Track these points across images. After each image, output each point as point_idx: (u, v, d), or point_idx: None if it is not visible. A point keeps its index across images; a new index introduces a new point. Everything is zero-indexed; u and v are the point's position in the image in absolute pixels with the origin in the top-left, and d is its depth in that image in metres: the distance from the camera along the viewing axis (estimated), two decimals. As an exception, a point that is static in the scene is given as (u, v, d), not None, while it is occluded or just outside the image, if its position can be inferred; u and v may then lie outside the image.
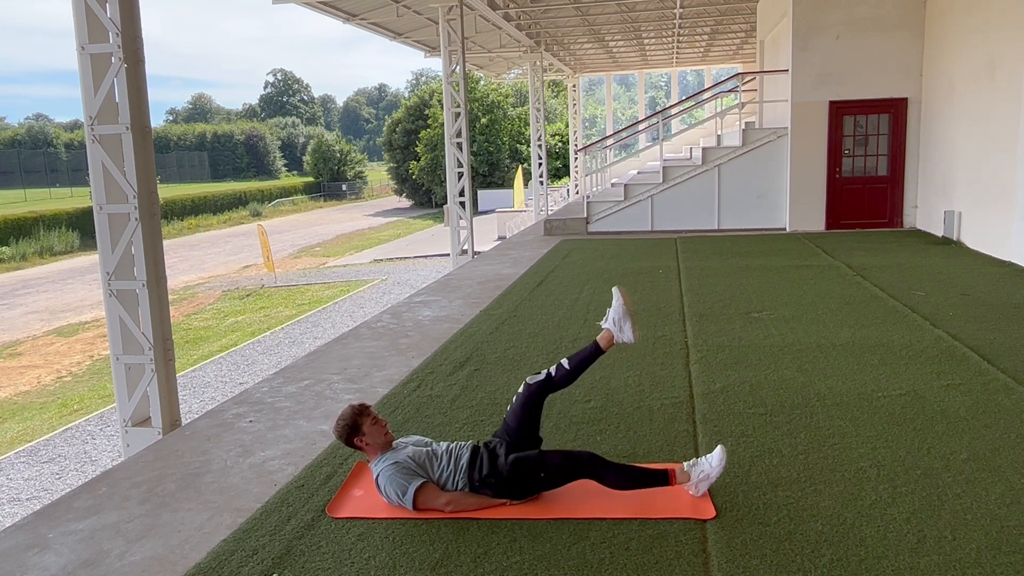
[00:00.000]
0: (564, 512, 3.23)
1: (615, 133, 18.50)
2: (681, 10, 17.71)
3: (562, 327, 6.63)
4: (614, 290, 3.65)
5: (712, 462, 3.33)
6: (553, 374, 3.52)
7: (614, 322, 3.58)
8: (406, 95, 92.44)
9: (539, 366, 5.46)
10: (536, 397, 3.48)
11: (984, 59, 9.64)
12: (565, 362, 3.55)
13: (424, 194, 55.28)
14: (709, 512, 3.18)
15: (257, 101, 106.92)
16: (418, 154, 53.97)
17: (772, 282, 8.24)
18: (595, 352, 3.57)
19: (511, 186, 41.61)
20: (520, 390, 3.53)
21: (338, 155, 69.13)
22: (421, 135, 53.62)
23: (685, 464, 3.37)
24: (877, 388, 4.67)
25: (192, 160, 75.29)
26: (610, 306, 3.64)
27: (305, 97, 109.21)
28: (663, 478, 3.33)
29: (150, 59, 4.90)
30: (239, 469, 3.93)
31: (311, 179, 69.23)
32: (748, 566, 2.78)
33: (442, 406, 4.70)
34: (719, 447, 3.38)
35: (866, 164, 12.29)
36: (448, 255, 15.74)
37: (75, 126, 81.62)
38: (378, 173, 75.51)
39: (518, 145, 52.60)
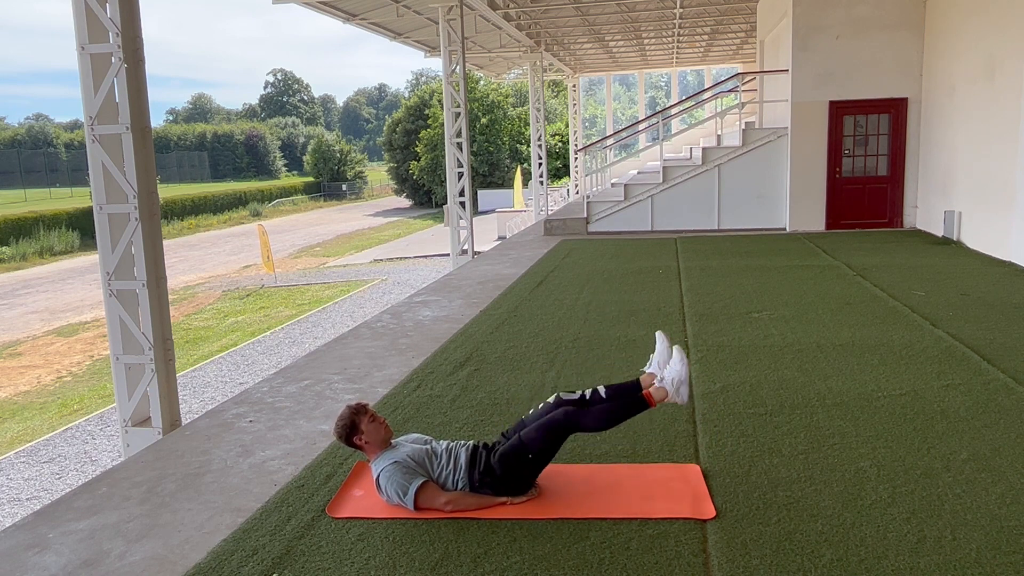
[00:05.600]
0: (564, 512, 3.23)
1: (615, 133, 18.50)
2: (681, 10, 17.71)
3: (562, 327, 6.62)
4: (676, 350, 3.49)
5: (675, 366, 3.40)
6: (587, 396, 3.46)
7: (672, 383, 3.41)
8: (406, 95, 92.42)
9: (539, 366, 5.47)
10: (562, 429, 3.36)
11: (984, 59, 9.64)
12: (602, 390, 3.48)
13: (424, 194, 55.27)
14: (709, 512, 3.18)
15: (257, 101, 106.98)
16: (418, 154, 53.97)
17: (772, 282, 8.24)
18: (642, 407, 3.42)
19: (511, 186, 41.64)
20: (550, 400, 3.50)
21: (338, 155, 69.13)
22: (421, 135, 53.62)
23: (656, 382, 3.43)
24: (877, 388, 4.67)
25: (192, 160, 75.27)
26: (669, 358, 3.50)
27: (305, 97, 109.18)
28: (641, 403, 3.38)
29: (150, 59, 4.90)
30: (239, 469, 3.93)
31: (311, 179, 69.22)
32: (748, 566, 2.78)
33: (442, 406, 4.70)
34: (675, 348, 3.46)
35: (866, 164, 12.29)
36: (448, 255, 15.73)
37: (75, 126, 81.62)
38: (378, 173, 75.50)
39: (518, 145, 52.59)
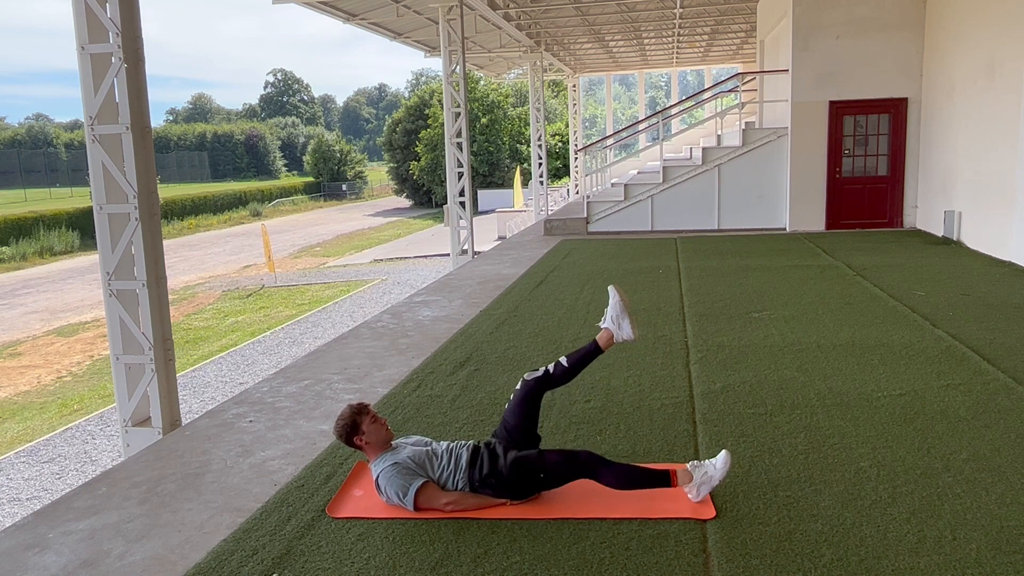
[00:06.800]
0: (564, 512, 3.23)
1: (615, 133, 18.50)
2: (681, 10, 17.71)
3: (562, 327, 6.62)
4: (610, 289, 3.66)
5: (717, 465, 3.27)
6: (551, 371, 3.53)
7: (612, 320, 3.59)
8: (406, 95, 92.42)
9: (539, 365, 5.45)
10: (533, 393, 3.49)
11: (984, 59, 9.64)
12: (564, 360, 3.56)
13: (424, 194, 55.28)
14: (709, 512, 3.18)
15: (257, 101, 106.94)
16: (418, 154, 53.97)
17: (772, 282, 8.24)
18: (594, 351, 3.59)
19: (511, 186, 41.63)
20: (518, 387, 3.54)
21: (338, 155, 69.11)
22: (421, 135, 53.61)
23: (689, 465, 3.32)
24: (877, 388, 4.67)
25: (192, 160, 75.26)
26: (607, 306, 3.65)
27: (305, 97, 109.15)
28: (664, 479, 3.28)
29: (150, 59, 4.90)
30: (239, 469, 3.93)
31: (311, 179, 69.21)
32: (748, 566, 2.78)
33: (442, 406, 4.70)
34: (724, 452, 3.31)
35: (866, 164, 12.29)
36: (448, 255, 15.74)
37: (75, 126, 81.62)
38: (378, 173, 75.52)
39: (518, 145, 52.59)
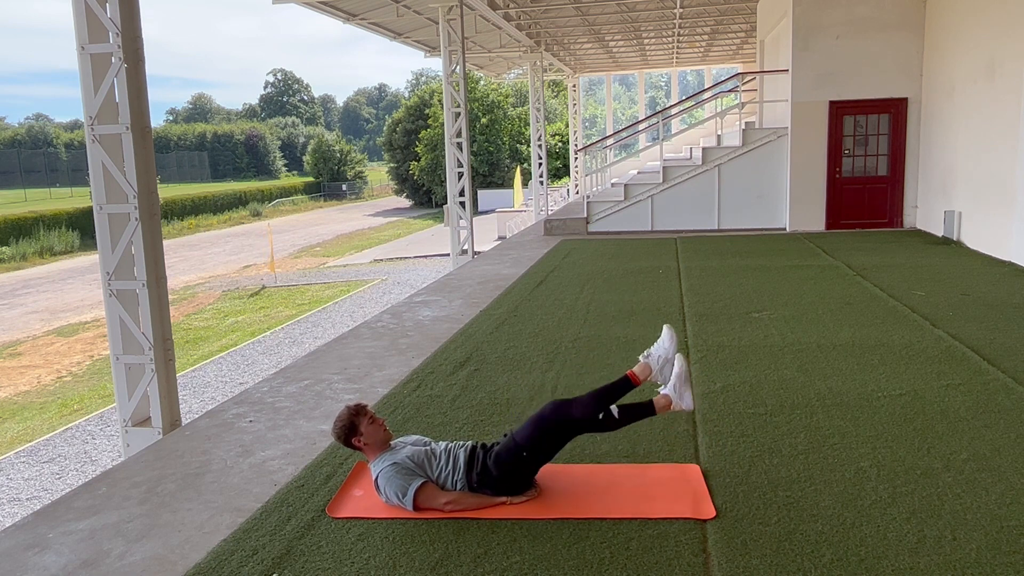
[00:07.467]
0: (564, 512, 3.23)
1: (615, 133, 18.49)
2: (681, 10, 17.71)
3: (562, 327, 6.62)
4: (665, 328, 3.47)
5: (663, 343, 3.42)
6: (592, 414, 3.32)
7: (674, 388, 3.39)
8: (406, 95, 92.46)
9: (539, 366, 5.46)
10: (549, 420, 3.31)
11: (984, 59, 9.64)
12: (615, 410, 3.34)
13: (424, 194, 55.27)
14: (709, 512, 3.18)
15: (257, 101, 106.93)
16: (418, 154, 53.97)
17: (772, 282, 8.24)
18: (627, 387, 3.42)
19: (511, 186, 41.63)
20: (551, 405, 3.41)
21: (338, 155, 69.11)
22: (421, 135, 53.61)
23: (641, 357, 3.44)
24: (877, 388, 4.67)
25: (192, 160, 75.24)
26: (660, 347, 3.44)
27: (305, 97, 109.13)
28: (625, 382, 3.39)
29: (150, 59, 4.90)
30: (239, 469, 3.93)
31: (311, 179, 69.21)
32: (748, 566, 2.78)
33: (442, 406, 4.70)
34: (664, 327, 3.49)
35: (866, 164, 12.29)
36: (448, 255, 15.74)
37: (75, 126, 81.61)
38: (378, 173, 75.51)
39: (518, 145, 52.58)
